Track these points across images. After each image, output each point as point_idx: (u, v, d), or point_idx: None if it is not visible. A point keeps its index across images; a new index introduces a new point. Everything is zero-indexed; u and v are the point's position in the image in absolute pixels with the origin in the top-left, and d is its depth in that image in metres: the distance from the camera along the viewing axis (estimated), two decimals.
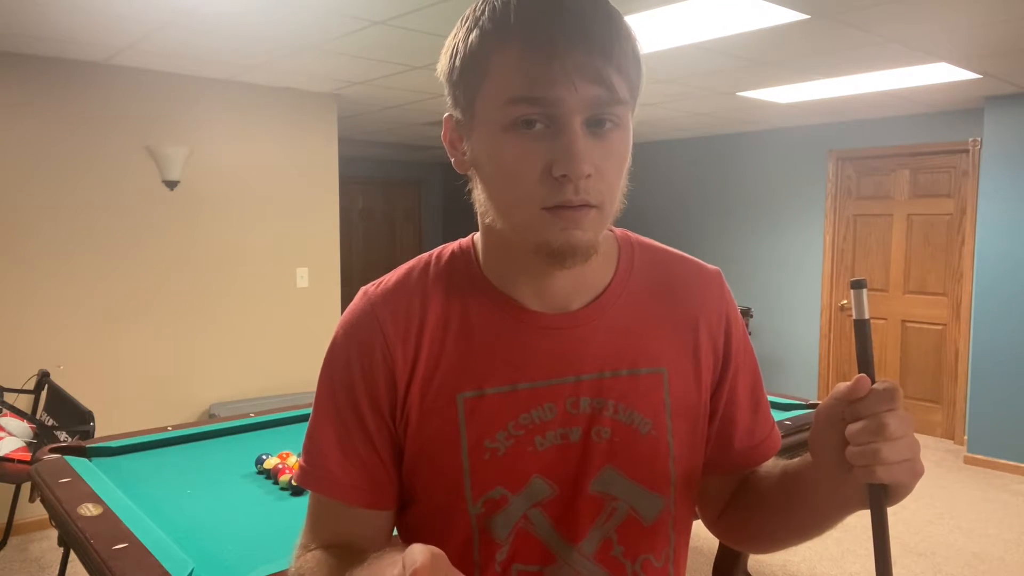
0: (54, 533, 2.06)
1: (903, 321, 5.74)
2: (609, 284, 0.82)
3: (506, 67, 0.69)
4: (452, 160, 0.77)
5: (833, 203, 6.02)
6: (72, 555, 1.99)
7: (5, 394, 3.58)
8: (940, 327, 5.55)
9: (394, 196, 9.51)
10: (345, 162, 5.40)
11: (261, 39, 3.46)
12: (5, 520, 3.70)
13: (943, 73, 4.05)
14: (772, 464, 0.89)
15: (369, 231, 9.28)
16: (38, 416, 3.63)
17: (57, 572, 2.90)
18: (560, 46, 0.67)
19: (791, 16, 3.01)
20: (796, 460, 0.82)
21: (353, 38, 3.41)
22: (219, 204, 4.45)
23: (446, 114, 0.77)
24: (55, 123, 3.87)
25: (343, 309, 4.25)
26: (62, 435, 3.33)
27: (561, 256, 0.71)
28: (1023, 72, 4.07)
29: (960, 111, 5.25)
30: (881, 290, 5.86)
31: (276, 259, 4.70)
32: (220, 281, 4.48)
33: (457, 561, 0.73)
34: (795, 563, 3.48)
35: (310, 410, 2.49)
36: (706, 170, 6.86)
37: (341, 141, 5.09)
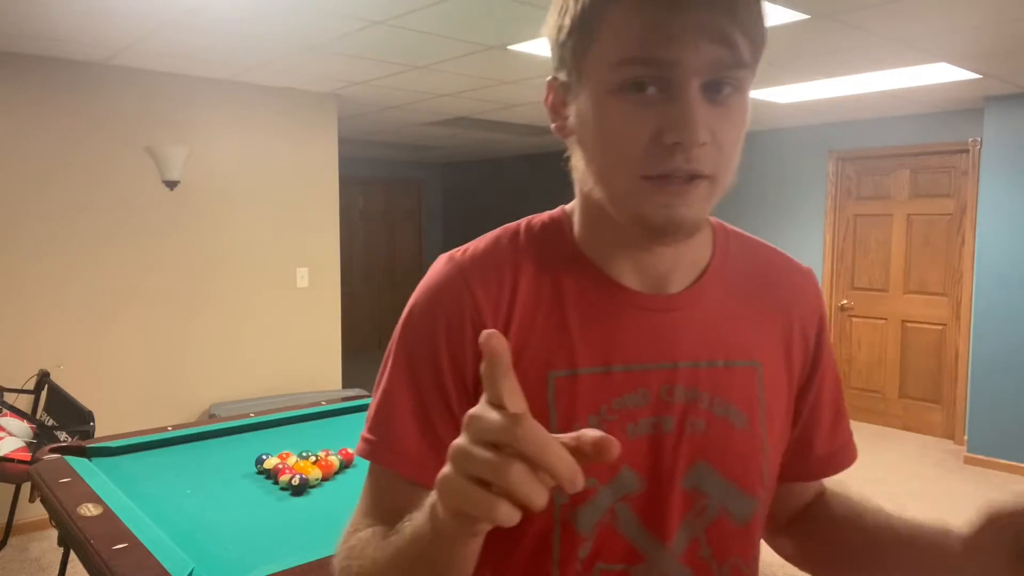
0: (54, 533, 2.06)
1: (903, 321, 5.74)
2: (707, 267, 0.78)
3: (620, 24, 0.63)
4: (553, 126, 0.73)
5: (833, 203, 6.02)
6: (72, 555, 1.99)
7: (5, 394, 3.58)
8: (940, 327, 5.55)
9: (394, 196, 9.50)
10: (345, 162, 5.40)
11: (261, 39, 3.46)
12: (5, 520, 3.70)
13: (943, 73, 4.05)
14: (870, 510, 0.85)
15: (369, 231, 9.28)
16: (38, 416, 3.63)
17: (57, 572, 2.90)
18: (681, 1, 0.61)
19: (791, 16, 3.01)
20: (926, 529, 0.78)
21: (353, 38, 3.41)
22: (219, 204, 4.45)
23: (549, 77, 0.72)
24: (55, 123, 3.87)
25: (343, 309, 4.21)
26: (62, 435, 3.33)
27: (661, 232, 0.67)
28: (1023, 72, 4.07)
29: (960, 111, 5.25)
30: (881, 290, 5.86)
31: (276, 259, 4.70)
32: (220, 281, 4.48)
33: (533, 556, 0.70)
34: None
35: (310, 410, 2.51)
36: None
37: (341, 141, 5.09)
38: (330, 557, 1.63)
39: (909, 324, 5.72)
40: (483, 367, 0.48)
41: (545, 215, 0.79)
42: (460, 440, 0.49)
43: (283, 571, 1.50)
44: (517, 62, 3.80)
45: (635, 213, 0.67)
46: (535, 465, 0.46)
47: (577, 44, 0.67)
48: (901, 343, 5.76)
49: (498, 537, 0.60)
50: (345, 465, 2.30)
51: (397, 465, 0.72)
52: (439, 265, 0.75)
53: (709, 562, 0.74)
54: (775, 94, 4.71)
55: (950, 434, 5.48)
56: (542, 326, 0.72)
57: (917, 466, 4.92)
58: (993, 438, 4.86)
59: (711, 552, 0.74)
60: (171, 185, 4.23)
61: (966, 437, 5.06)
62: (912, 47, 3.52)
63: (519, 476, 0.46)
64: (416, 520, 0.58)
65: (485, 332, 0.48)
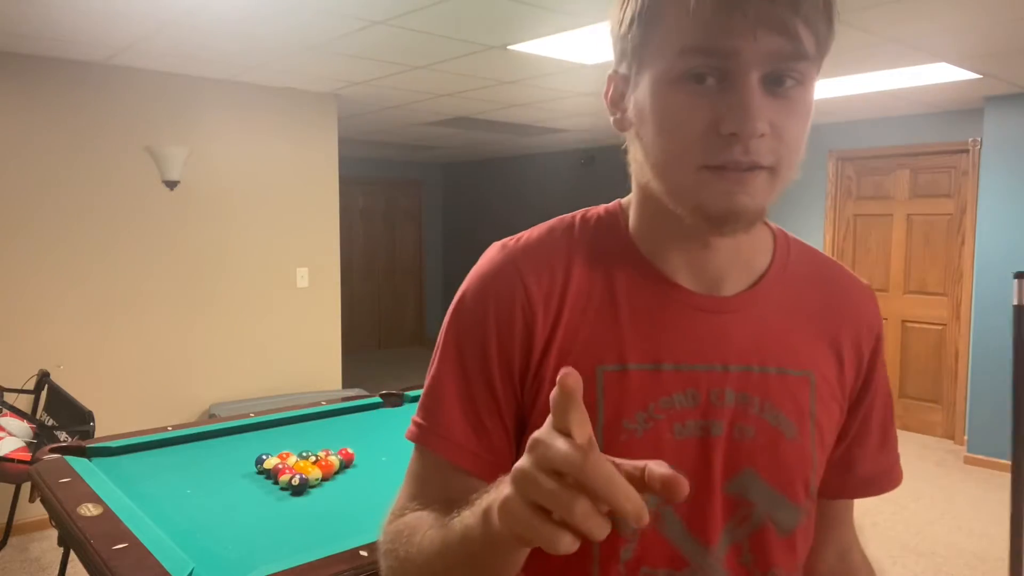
0: (54, 533, 2.05)
1: (903, 321, 5.74)
2: (766, 271, 0.78)
3: (682, 15, 0.63)
4: (612, 120, 0.73)
5: (833, 203, 6.03)
6: (72, 555, 1.99)
7: (5, 394, 3.58)
8: (940, 327, 5.55)
9: (394, 196, 9.50)
10: (345, 162, 5.40)
11: (261, 39, 3.46)
12: (5, 520, 3.70)
13: (943, 73, 4.05)
14: None
15: (369, 231, 9.27)
16: (38, 416, 3.63)
17: (57, 572, 2.90)
18: None
19: None
20: None
21: (353, 38, 3.41)
22: (219, 204, 4.45)
23: (610, 71, 0.73)
24: (55, 123, 3.87)
25: (343, 309, 4.22)
26: (62, 435, 3.33)
27: (721, 221, 0.66)
28: (1023, 72, 4.07)
29: (960, 111, 5.25)
30: (881, 290, 5.86)
31: (276, 259, 4.70)
32: (220, 281, 4.48)
33: (573, 557, 0.66)
34: None
35: (310, 410, 2.51)
36: None
37: (341, 141, 5.09)
38: (330, 557, 1.63)
39: (909, 324, 5.72)
40: (555, 395, 0.48)
41: (601, 208, 0.78)
42: (524, 463, 0.48)
43: (283, 571, 1.50)
44: (517, 62, 3.80)
45: (695, 203, 0.66)
46: (599, 499, 0.46)
47: (639, 36, 0.67)
48: (901, 343, 5.77)
49: None
50: (345, 465, 2.30)
51: (443, 450, 0.72)
52: (492, 252, 0.74)
53: (751, 569, 0.74)
54: None
55: (950, 434, 5.48)
56: (593, 319, 0.71)
57: (917, 466, 4.92)
58: (993, 438, 4.86)
59: (753, 559, 0.74)
60: (171, 185, 4.23)
61: (966, 437, 5.06)
62: (912, 47, 3.52)
63: (583, 510, 0.46)
64: (467, 520, 0.58)
65: (563, 371, 0.47)
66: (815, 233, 6.14)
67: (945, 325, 5.52)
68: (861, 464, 0.84)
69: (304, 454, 2.27)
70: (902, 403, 5.78)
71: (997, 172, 4.81)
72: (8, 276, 3.79)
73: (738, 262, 0.75)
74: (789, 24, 0.62)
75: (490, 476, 0.64)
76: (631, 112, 0.70)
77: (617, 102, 0.72)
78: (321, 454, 2.27)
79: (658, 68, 0.66)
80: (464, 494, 0.63)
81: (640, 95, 0.68)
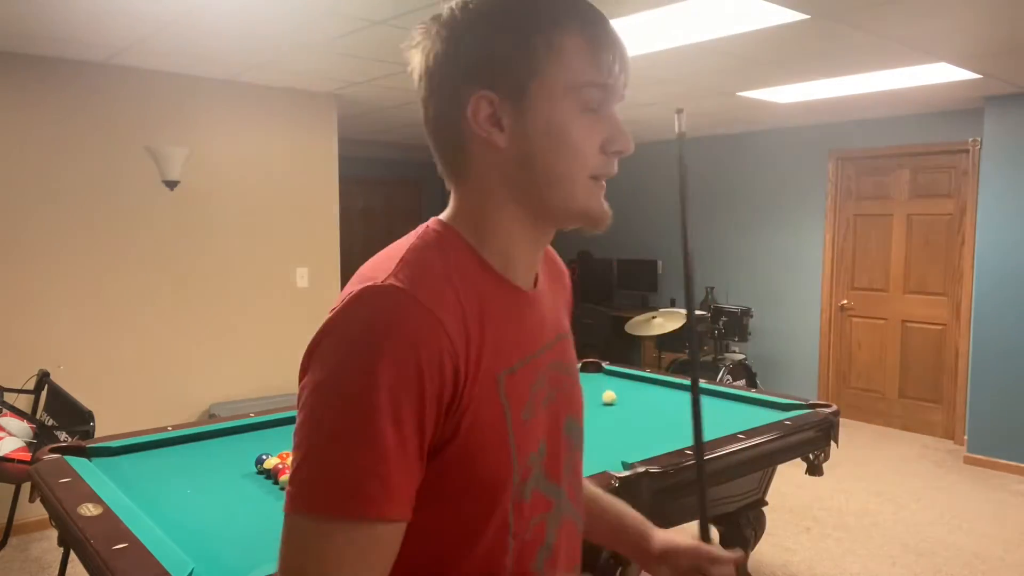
0: (54, 533, 2.05)
1: (903, 321, 5.74)
2: None
3: (572, 54, 0.75)
4: (482, 136, 0.77)
5: (833, 203, 6.02)
6: (72, 555, 1.98)
7: (5, 394, 3.58)
8: (940, 327, 5.55)
9: (394, 196, 9.50)
10: (345, 162, 5.40)
11: (261, 39, 3.46)
12: (5, 520, 3.70)
13: (943, 73, 4.05)
14: (606, 499, 1.09)
15: (369, 231, 9.27)
16: (38, 416, 3.63)
17: (57, 572, 2.90)
18: (614, 37, 0.78)
19: (791, 16, 3.01)
20: (629, 520, 1.07)
21: (353, 38, 3.41)
22: (219, 204, 4.45)
23: (476, 95, 0.76)
24: (55, 123, 3.87)
25: None
26: (62, 435, 3.33)
27: (599, 221, 0.82)
28: (1023, 72, 4.07)
29: (960, 111, 5.25)
30: (881, 290, 5.86)
31: (276, 259, 4.70)
32: (220, 281, 4.48)
33: (494, 536, 0.78)
34: (795, 563, 3.48)
35: None
36: (706, 170, 6.85)
37: (341, 141, 5.09)
38: None
39: (909, 324, 5.72)
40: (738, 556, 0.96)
41: (430, 230, 0.82)
42: None
43: None
44: None
45: (583, 208, 0.81)
46: None
47: (522, 67, 0.75)
48: (901, 343, 5.76)
49: (462, 530, 0.76)
50: None
51: (394, 512, 0.70)
52: (392, 298, 0.70)
53: (577, 494, 0.92)
54: (775, 94, 4.71)
55: (950, 434, 5.48)
56: (484, 335, 0.76)
57: (917, 466, 4.92)
58: (993, 438, 4.86)
59: (575, 485, 0.92)
60: (171, 185, 4.23)
61: (966, 437, 5.06)
62: (912, 47, 3.52)
63: None
64: None
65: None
66: (815, 233, 6.14)
67: (945, 325, 5.52)
68: None
69: None
70: (902, 403, 5.79)
71: (997, 172, 4.81)
72: (8, 276, 3.79)
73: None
74: (629, 65, 0.80)
75: (410, 516, 0.72)
76: (513, 134, 0.77)
77: (494, 122, 0.77)
78: None
79: (555, 96, 0.76)
80: (392, 553, 0.71)
81: (531, 120, 0.76)
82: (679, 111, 1.01)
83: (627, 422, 2.85)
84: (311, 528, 0.69)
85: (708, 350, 5.91)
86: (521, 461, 0.78)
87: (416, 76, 0.83)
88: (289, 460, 2.31)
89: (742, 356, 5.81)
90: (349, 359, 0.68)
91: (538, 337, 0.84)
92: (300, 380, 0.73)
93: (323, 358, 0.70)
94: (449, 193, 0.85)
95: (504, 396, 0.77)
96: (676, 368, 5.72)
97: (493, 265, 0.81)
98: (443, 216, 0.84)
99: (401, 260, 0.75)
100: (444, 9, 0.81)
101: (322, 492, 0.68)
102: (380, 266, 0.75)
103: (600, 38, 0.76)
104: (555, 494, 0.85)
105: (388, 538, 0.71)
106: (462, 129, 0.78)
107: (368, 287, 0.71)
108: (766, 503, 2.83)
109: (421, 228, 0.83)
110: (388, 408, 0.68)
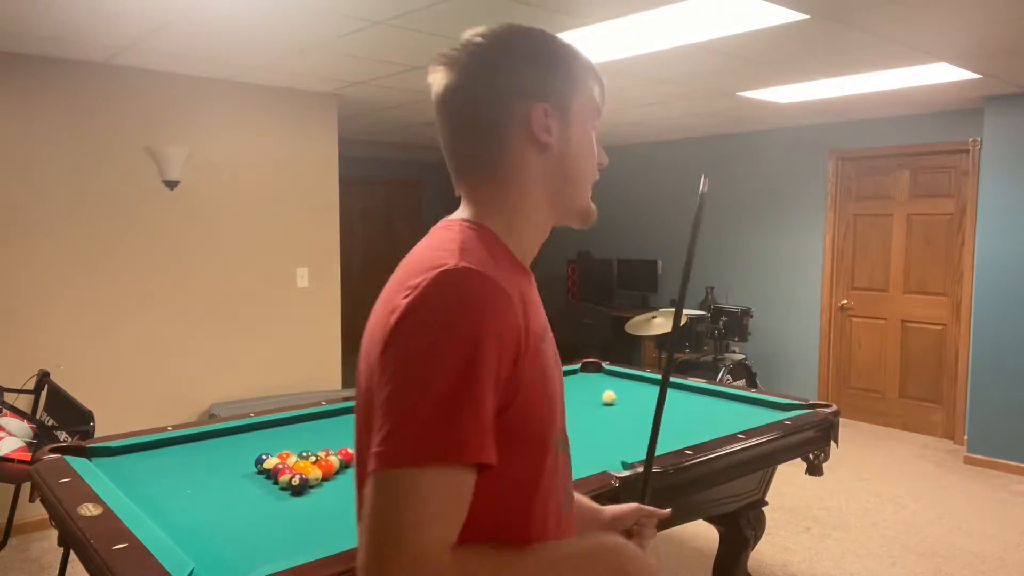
0: (54, 533, 2.05)
1: (903, 321, 5.74)
2: None
3: (592, 88, 1.00)
4: (537, 138, 0.93)
5: (833, 203, 6.02)
6: (72, 555, 1.99)
7: (5, 394, 3.58)
8: (940, 327, 5.55)
9: (394, 196, 9.50)
10: (345, 162, 5.40)
11: (261, 39, 3.46)
12: (5, 520, 3.70)
13: (943, 73, 4.05)
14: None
15: (369, 231, 9.28)
16: (38, 416, 3.63)
17: (57, 572, 2.90)
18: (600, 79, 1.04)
19: (791, 16, 3.01)
20: (585, 505, 1.17)
21: (353, 38, 3.41)
22: (219, 204, 4.45)
23: (536, 106, 0.93)
24: (55, 123, 3.87)
25: (343, 309, 4.22)
26: (62, 435, 3.33)
27: (592, 217, 1.03)
28: (1023, 72, 4.07)
29: (960, 111, 5.25)
30: (881, 290, 5.86)
31: (276, 259, 4.70)
32: (220, 281, 4.48)
33: (546, 489, 0.90)
34: (795, 563, 3.48)
35: (310, 410, 2.50)
36: (706, 170, 6.84)
37: (341, 141, 5.09)
38: (330, 557, 1.63)
39: (909, 324, 5.72)
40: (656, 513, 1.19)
41: (464, 227, 0.92)
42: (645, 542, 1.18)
43: (283, 571, 1.50)
44: None
45: (587, 205, 1.01)
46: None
47: (567, 89, 0.96)
48: (901, 343, 5.76)
49: (524, 480, 0.87)
50: (345, 465, 2.30)
51: (494, 458, 0.80)
52: (475, 279, 0.81)
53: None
54: (775, 94, 4.71)
55: (950, 434, 5.48)
56: (527, 311, 0.88)
57: (917, 466, 4.92)
58: (993, 438, 4.87)
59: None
60: (171, 185, 4.23)
61: (966, 437, 5.06)
62: (912, 47, 3.52)
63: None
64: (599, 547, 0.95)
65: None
66: (815, 233, 6.14)
67: (945, 325, 5.52)
68: None
69: (304, 454, 2.27)
70: (902, 403, 5.79)
71: (997, 172, 4.81)
72: (8, 276, 3.79)
73: None
74: None
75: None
76: (558, 140, 0.95)
77: (547, 128, 0.94)
78: (321, 454, 2.27)
79: (584, 119, 0.98)
80: (469, 497, 0.80)
81: (572, 132, 0.97)
82: (704, 176, 1.24)
83: (627, 422, 2.85)
84: (410, 479, 0.75)
85: (708, 350, 5.91)
86: (557, 417, 0.93)
87: (443, 90, 0.94)
88: (289, 460, 2.31)
89: (742, 356, 5.81)
90: (446, 329, 0.78)
91: (543, 315, 0.97)
92: (381, 354, 0.81)
93: (418, 330, 0.79)
94: (460, 194, 0.98)
95: (543, 361, 0.89)
96: (676, 368, 5.72)
97: (517, 257, 0.95)
98: (466, 215, 0.95)
99: (460, 250, 0.85)
100: (472, 38, 0.93)
101: (430, 441, 0.76)
102: (438, 256, 0.84)
103: (604, 85, 1.03)
104: (565, 447, 0.99)
105: (472, 485, 0.80)
106: (510, 133, 0.92)
107: (447, 269, 0.81)
108: (766, 503, 2.83)
109: (454, 225, 0.92)
110: (482, 368, 0.78)
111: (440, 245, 0.87)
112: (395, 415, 0.77)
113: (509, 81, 0.92)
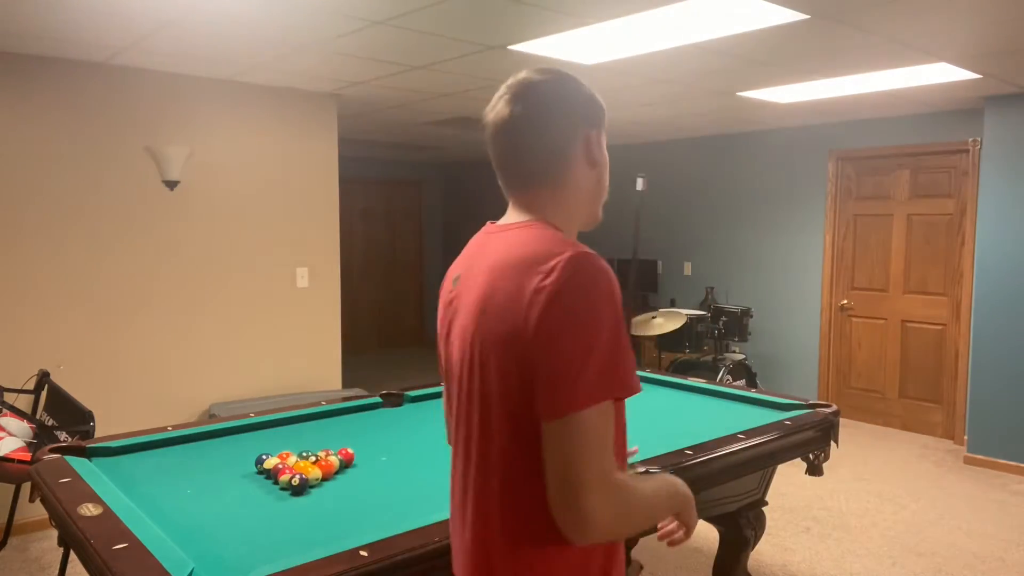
0: (54, 533, 2.06)
1: (903, 321, 5.74)
2: None
3: (604, 129, 1.23)
4: (587, 158, 1.17)
5: (833, 203, 6.03)
6: (72, 555, 1.99)
7: (5, 394, 3.58)
8: (940, 327, 5.55)
9: (394, 196, 9.50)
10: (345, 162, 5.40)
11: (261, 39, 3.46)
12: (5, 520, 3.70)
13: (943, 73, 4.05)
14: None
15: (369, 231, 9.28)
16: (38, 416, 3.63)
17: (57, 572, 2.90)
18: None
19: (791, 16, 3.01)
20: None
21: (353, 38, 3.41)
22: (219, 204, 4.45)
23: (591, 129, 1.18)
24: (55, 123, 3.87)
25: (343, 309, 4.24)
26: (62, 435, 3.33)
27: (598, 222, 1.26)
28: (1023, 72, 4.07)
29: (960, 111, 5.25)
30: (881, 290, 5.86)
31: (276, 259, 4.70)
32: (220, 281, 4.48)
33: (623, 434, 1.15)
34: (795, 563, 3.48)
35: (310, 410, 2.52)
36: (706, 170, 6.85)
37: (341, 141, 5.09)
38: (330, 557, 1.62)
39: (909, 324, 5.72)
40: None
41: (544, 225, 1.14)
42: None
43: (283, 571, 1.50)
44: (517, 62, 3.80)
45: (599, 213, 1.25)
46: None
47: (600, 120, 1.20)
48: (901, 343, 5.77)
49: (620, 423, 1.11)
50: (345, 465, 2.30)
51: (640, 388, 1.03)
52: (602, 264, 1.04)
53: None
54: (775, 94, 4.71)
55: (950, 434, 5.48)
56: None
57: (917, 466, 4.92)
58: (993, 438, 4.87)
59: None
60: (171, 185, 4.23)
61: (966, 437, 5.06)
62: (912, 47, 3.52)
63: None
64: (673, 487, 1.19)
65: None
66: (815, 233, 6.14)
67: (945, 325, 5.52)
68: None
69: (304, 454, 2.27)
70: (902, 403, 5.79)
71: (997, 172, 4.81)
72: (8, 276, 3.79)
73: None
74: None
75: None
76: (599, 157, 1.20)
77: (597, 149, 1.20)
78: (321, 454, 2.27)
79: (603, 145, 1.21)
80: None
81: (602, 157, 1.21)
82: (642, 176, 1.46)
83: (627, 422, 2.85)
84: (597, 415, 0.97)
85: (708, 350, 5.91)
86: None
87: (512, 117, 1.14)
88: (289, 460, 2.33)
89: (742, 356, 5.81)
90: (597, 297, 1.00)
91: None
92: (536, 327, 0.99)
93: (576, 300, 0.99)
94: (516, 201, 1.20)
95: None
96: (676, 368, 5.72)
97: None
98: (530, 217, 1.16)
99: (564, 240, 1.07)
100: (533, 77, 1.16)
101: (603, 384, 0.98)
102: (553, 246, 1.05)
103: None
104: None
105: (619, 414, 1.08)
106: (574, 151, 1.16)
107: (577, 253, 1.02)
108: (766, 503, 2.83)
109: (533, 224, 1.13)
110: (622, 323, 1.01)
111: (542, 237, 1.08)
112: (573, 368, 0.96)
113: (574, 111, 1.16)
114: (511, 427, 1.03)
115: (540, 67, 1.19)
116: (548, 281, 0.99)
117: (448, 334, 1.19)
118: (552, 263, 1.01)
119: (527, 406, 1.00)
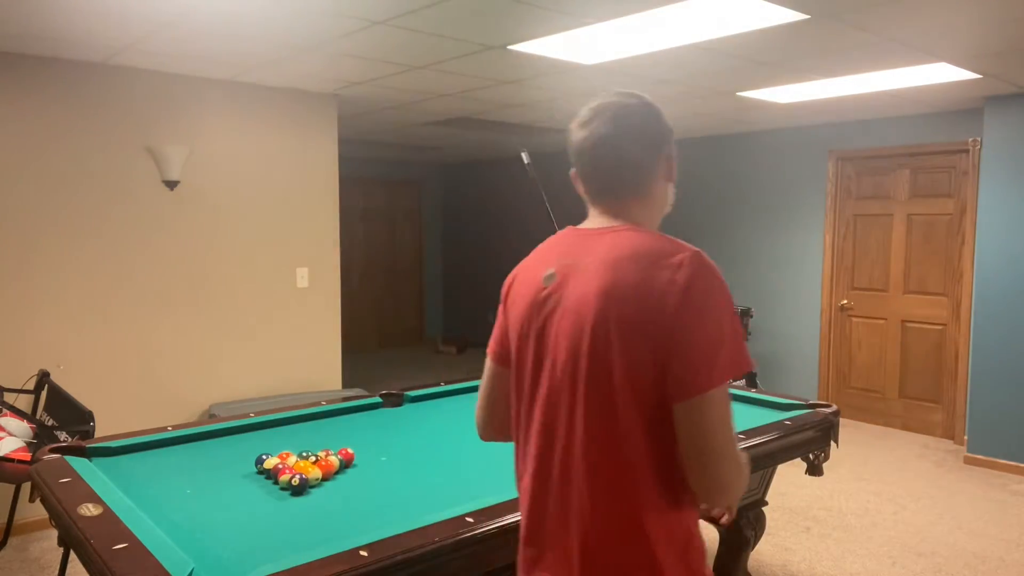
0: (54, 533, 2.06)
1: (903, 321, 5.74)
2: None
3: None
4: (667, 174, 1.32)
5: (833, 203, 6.02)
6: (72, 555, 1.99)
7: (5, 394, 3.58)
8: (940, 327, 5.55)
9: (394, 196, 9.50)
10: (345, 162, 5.40)
11: (261, 39, 3.46)
12: (5, 520, 3.70)
13: (943, 73, 4.05)
14: None
15: (369, 231, 9.28)
16: (38, 416, 3.63)
17: (57, 572, 2.90)
18: None
19: (791, 16, 3.01)
20: None
21: (353, 38, 3.41)
22: (219, 204, 4.45)
23: (670, 148, 1.32)
24: (55, 123, 3.87)
25: (343, 309, 4.24)
26: (62, 435, 3.33)
27: None
28: (1023, 72, 4.07)
29: (960, 111, 5.25)
30: (881, 290, 5.86)
31: (276, 259, 4.70)
32: (220, 281, 4.48)
33: None
34: (795, 563, 3.48)
35: (310, 410, 2.53)
36: (706, 170, 6.85)
37: (341, 141, 5.09)
38: (330, 557, 1.63)
39: (909, 324, 5.72)
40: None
41: (645, 228, 1.26)
42: None
43: (283, 571, 1.50)
44: (517, 62, 3.80)
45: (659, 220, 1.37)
46: None
47: (672, 143, 1.32)
48: (901, 343, 5.76)
49: None
50: (345, 465, 2.30)
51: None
52: (707, 256, 1.16)
53: None
54: (775, 94, 4.71)
55: (950, 434, 5.48)
56: None
57: (917, 466, 4.92)
58: (993, 438, 4.87)
59: None
60: (171, 185, 4.23)
61: (966, 437, 5.06)
62: (912, 47, 3.52)
63: None
64: None
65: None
66: (815, 233, 6.14)
67: (945, 325, 5.52)
68: None
69: (304, 454, 2.27)
70: (902, 403, 5.79)
71: (997, 172, 4.81)
72: (8, 276, 3.79)
73: None
74: None
75: None
76: (673, 178, 1.34)
77: (674, 165, 1.33)
78: (321, 454, 2.27)
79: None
80: None
81: (675, 174, 1.34)
82: (524, 151, 1.71)
83: None
84: (725, 392, 1.13)
85: None
86: None
87: (606, 135, 1.26)
88: (289, 460, 2.33)
89: None
90: (722, 288, 1.15)
91: None
92: (675, 313, 1.11)
93: (709, 290, 1.13)
94: (603, 208, 1.31)
95: None
96: None
97: None
98: (620, 223, 1.27)
99: (677, 240, 1.18)
100: (619, 100, 1.29)
101: (734, 363, 1.13)
102: (668, 245, 1.17)
103: None
104: None
105: None
106: (658, 167, 1.30)
107: (698, 250, 1.16)
108: (766, 503, 2.83)
109: (637, 227, 1.25)
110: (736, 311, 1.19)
111: (654, 237, 1.20)
112: (710, 352, 1.11)
113: (660, 133, 1.30)
114: (635, 401, 1.14)
115: (623, 90, 1.32)
116: (680, 275, 1.12)
117: (543, 328, 1.26)
118: (678, 258, 1.14)
119: (654, 382, 1.12)
